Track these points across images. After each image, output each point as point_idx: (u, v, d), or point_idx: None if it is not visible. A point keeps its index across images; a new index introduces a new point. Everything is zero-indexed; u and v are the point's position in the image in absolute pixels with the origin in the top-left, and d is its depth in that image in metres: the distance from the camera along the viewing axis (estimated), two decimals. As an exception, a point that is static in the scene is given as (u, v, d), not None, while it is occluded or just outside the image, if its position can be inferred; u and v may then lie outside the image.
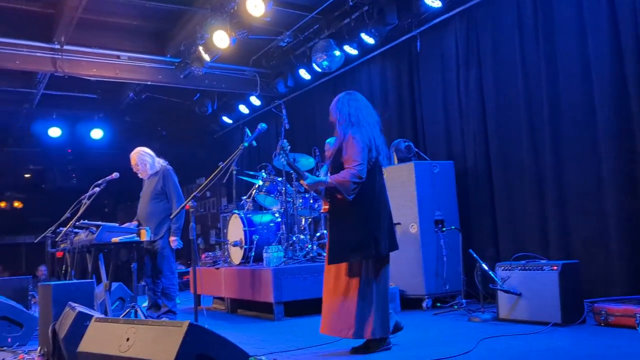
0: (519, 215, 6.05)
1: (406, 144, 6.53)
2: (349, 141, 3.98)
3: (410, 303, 6.03)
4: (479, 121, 6.52)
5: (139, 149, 6.22)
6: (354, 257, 3.95)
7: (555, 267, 4.65)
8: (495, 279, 5.02)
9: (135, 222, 6.01)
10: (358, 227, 3.97)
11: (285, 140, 4.19)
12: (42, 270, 11.96)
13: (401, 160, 6.46)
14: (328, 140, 7.09)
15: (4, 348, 4.97)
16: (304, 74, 8.85)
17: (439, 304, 5.94)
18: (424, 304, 5.94)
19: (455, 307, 5.76)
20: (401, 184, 6.20)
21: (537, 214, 5.85)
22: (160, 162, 6.19)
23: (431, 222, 6.05)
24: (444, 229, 5.99)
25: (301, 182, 4.10)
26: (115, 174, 6.10)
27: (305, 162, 7.15)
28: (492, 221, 6.36)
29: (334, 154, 4.11)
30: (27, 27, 8.19)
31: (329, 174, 4.14)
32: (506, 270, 5.02)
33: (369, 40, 7.45)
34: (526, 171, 5.98)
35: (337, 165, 4.04)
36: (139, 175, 6.22)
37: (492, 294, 5.28)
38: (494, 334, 4.35)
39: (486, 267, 5.13)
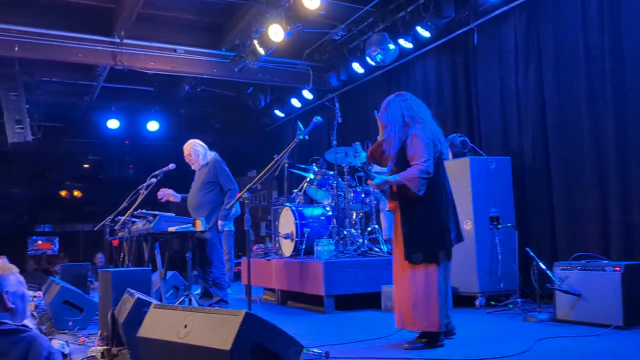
0: (578, 214, 5.86)
1: (461, 139, 6.41)
2: (412, 139, 4.04)
3: (462, 300, 5.92)
4: (537, 116, 6.34)
5: (191, 140, 6.36)
6: (429, 251, 4.02)
7: (617, 268, 4.49)
8: (553, 278, 4.88)
9: None
10: (429, 221, 4.05)
11: (358, 143, 4.27)
12: (100, 257, 12.33)
13: (456, 155, 6.34)
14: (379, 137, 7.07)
15: (66, 331, 5.14)
16: (357, 67, 8.81)
17: (492, 303, 5.82)
18: (477, 302, 5.83)
19: (510, 306, 5.63)
20: (455, 179, 6.05)
21: (598, 212, 5.65)
22: (211, 154, 6.30)
23: (486, 219, 5.93)
24: (499, 226, 5.85)
25: (368, 182, 4.17)
26: (171, 165, 6.25)
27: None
28: (550, 219, 6.18)
29: (396, 154, 4.13)
30: (89, 21, 8.45)
31: (388, 172, 4.22)
32: (565, 269, 4.87)
33: (425, 33, 7.35)
34: (587, 168, 5.79)
35: (402, 164, 4.08)
36: (192, 166, 6.34)
37: (550, 294, 5.14)
38: (552, 335, 4.23)
39: (544, 266, 4.99)
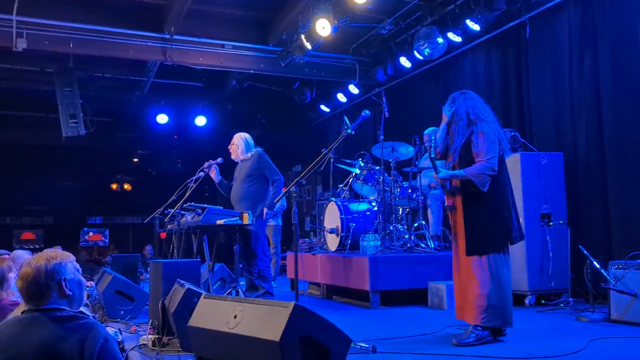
0: (635, 211, 5.64)
1: (512, 134, 6.27)
2: (479, 136, 4.08)
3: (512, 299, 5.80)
4: (592, 111, 6.15)
5: (244, 133, 6.41)
6: (492, 247, 4.06)
7: (677, 268, 4.32)
8: (608, 277, 4.73)
9: None
10: (494, 217, 4.08)
11: (434, 137, 4.28)
12: (148, 249, 12.61)
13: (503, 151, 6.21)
14: (426, 132, 6.99)
15: (117, 320, 5.28)
16: (404, 62, 8.73)
17: (543, 301, 5.68)
18: (526, 301, 5.71)
19: (562, 305, 5.49)
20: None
21: (657, 210, 5.45)
22: (254, 149, 6.33)
23: (537, 216, 5.79)
24: (550, 223, 5.70)
25: (434, 175, 4.19)
26: (219, 158, 6.32)
27: (405, 151, 7.07)
28: (604, 217, 5.98)
29: (459, 150, 4.17)
30: (140, 17, 8.63)
31: (447, 169, 4.25)
32: (620, 269, 4.72)
33: (474, 27, 7.22)
34: (645, 164, 5.58)
35: (465, 160, 4.12)
36: (231, 154, 6.37)
37: (603, 293, 5.01)
38: (606, 336, 4.11)
39: (598, 265, 4.85)
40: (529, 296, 5.70)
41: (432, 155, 4.22)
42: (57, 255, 2.44)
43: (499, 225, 4.08)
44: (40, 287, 2.32)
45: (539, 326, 4.74)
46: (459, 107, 4.25)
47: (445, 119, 4.33)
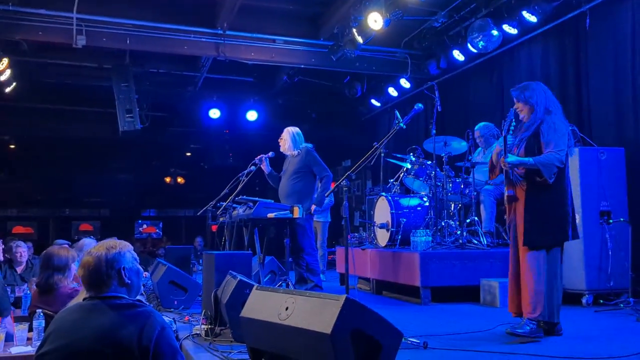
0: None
1: (570, 128, 6.07)
2: (550, 127, 4.05)
3: (568, 298, 5.60)
4: (656, 105, 5.91)
5: (295, 127, 6.44)
6: (552, 240, 4.03)
7: None
8: (672, 278, 4.54)
9: None
10: (556, 211, 4.04)
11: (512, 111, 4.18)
12: (198, 241, 12.84)
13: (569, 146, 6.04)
14: (477, 127, 6.87)
15: (171, 309, 5.40)
16: (457, 55, 8.59)
17: (601, 301, 5.49)
18: (583, 300, 5.54)
19: (621, 305, 5.29)
20: (563, 170, 5.81)
21: None
22: (303, 145, 6.35)
23: (596, 213, 5.61)
24: (610, 220, 5.51)
25: (501, 160, 4.11)
26: (270, 152, 6.37)
27: (458, 145, 6.97)
28: (668, 215, 5.75)
29: (526, 139, 4.12)
30: (194, 14, 8.79)
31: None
32: (685, 269, 4.52)
33: (531, 18, 7.04)
34: None
35: (532, 150, 4.08)
36: (280, 147, 6.40)
37: (667, 294, 4.80)
38: (669, 338, 3.95)
39: (661, 265, 4.66)
40: (587, 295, 5.53)
41: (507, 134, 4.11)
42: (116, 244, 2.51)
43: (560, 219, 4.02)
44: (101, 275, 2.39)
45: (596, 326, 4.59)
46: (538, 96, 4.17)
47: (522, 105, 4.24)
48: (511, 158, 4.07)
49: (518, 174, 4.13)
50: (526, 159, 4.05)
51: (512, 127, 4.14)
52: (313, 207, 6.05)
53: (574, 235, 4.11)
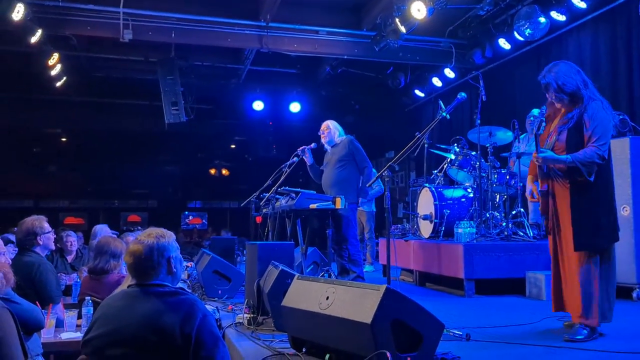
0: None
1: (621, 117, 5.87)
2: (594, 117, 3.67)
3: (618, 291, 5.43)
4: None
5: (331, 120, 6.45)
6: (604, 242, 3.72)
7: None
8: None
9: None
10: (605, 210, 3.71)
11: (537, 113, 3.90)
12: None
13: (613, 135, 5.83)
14: (534, 112, 6.68)
15: (215, 299, 5.48)
16: (503, 43, 8.42)
17: (653, 295, 5.32)
18: (634, 294, 5.35)
19: (674, 300, 5.11)
20: (613, 161, 5.61)
21: None
22: (344, 136, 6.34)
23: (647, 204, 5.41)
24: (663, 212, 5.31)
25: (534, 155, 3.78)
26: (313, 144, 6.39)
27: (503, 136, 6.83)
28: None
29: (567, 131, 3.75)
30: (237, 6, 8.86)
31: (557, 152, 3.80)
32: None
33: (580, 4, 6.84)
34: None
35: (574, 143, 3.71)
36: (321, 138, 6.40)
37: None
38: None
39: None
40: (637, 289, 5.34)
41: (538, 132, 3.78)
42: (164, 233, 2.56)
43: (610, 220, 3.71)
44: (152, 263, 2.45)
45: (647, 322, 4.44)
46: (567, 83, 3.75)
47: (554, 91, 3.81)
48: (546, 154, 3.70)
49: (558, 169, 3.80)
50: (564, 156, 3.66)
51: (542, 127, 3.82)
52: (359, 200, 6.05)
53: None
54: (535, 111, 6.65)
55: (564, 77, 3.77)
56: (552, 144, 3.84)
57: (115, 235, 5.53)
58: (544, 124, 3.85)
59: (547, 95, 3.92)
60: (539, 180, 3.95)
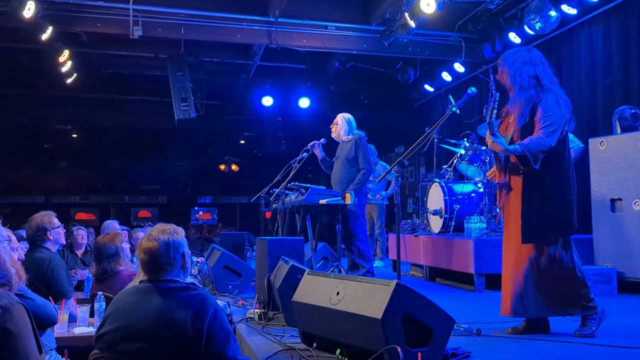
0: None
1: (632, 111, 5.84)
2: (546, 106, 3.56)
3: (628, 287, 5.46)
4: None
5: (347, 114, 6.43)
6: (554, 234, 3.61)
7: None
8: None
9: None
10: (556, 200, 3.61)
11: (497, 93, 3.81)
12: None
13: (625, 129, 5.80)
14: None
15: (226, 294, 5.51)
16: (513, 37, 8.36)
17: (665, 291, 5.30)
18: (645, 290, 5.34)
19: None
20: (624, 156, 5.59)
21: None
22: (356, 132, 6.32)
23: (659, 199, 5.37)
24: (675, 207, 5.27)
25: (488, 139, 3.70)
26: (322, 139, 6.38)
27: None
28: None
29: (525, 120, 3.64)
30: (246, 2, 8.85)
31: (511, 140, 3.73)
32: None
33: (592, -3, 6.77)
34: None
35: (529, 134, 3.61)
36: (332, 133, 6.39)
37: None
38: None
39: None
40: (649, 285, 5.33)
41: (489, 120, 3.67)
42: (177, 229, 2.58)
43: (562, 210, 3.60)
44: (168, 259, 2.48)
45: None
46: (526, 68, 3.67)
47: (507, 78, 3.75)
48: (500, 140, 3.62)
49: (513, 161, 3.70)
50: (512, 146, 3.59)
51: (495, 112, 3.71)
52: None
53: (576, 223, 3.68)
54: None
55: (524, 67, 3.71)
56: (509, 136, 3.77)
57: (124, 231, 5.56)
58: (495, 110, 3.74)
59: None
60: (497, 173, 3.89)
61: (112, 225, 6.34)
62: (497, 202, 4.02)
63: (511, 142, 3.70)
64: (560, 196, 3.63)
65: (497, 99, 3.73)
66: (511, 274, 3.76)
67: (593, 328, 3.64)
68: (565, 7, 7.21)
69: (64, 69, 9.59)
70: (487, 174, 4.17)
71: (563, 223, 3.62)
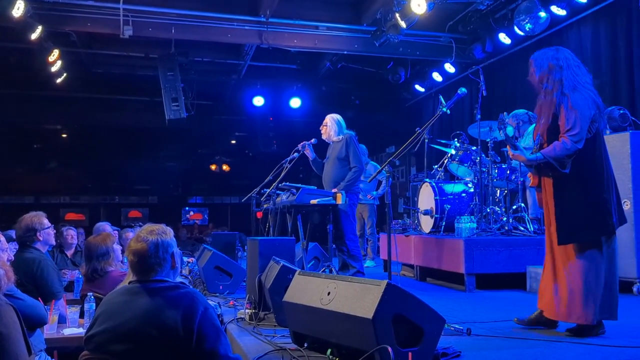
0: None
1: (621, 112, 5.87)
2: (569, 108, 3.58)
3: (620, 286, 5.48)
4: None
5: (336, 114, 6.43)
6: (587, 235, 3.61)
7: None
8: None
9: None
10: (588, 200, 3.61)
11: (505, 113, 3.89)
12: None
13: (614, 129, 5.83)
14: (509, 117, 6.71)
15: (217, 294, 5.49)
16: (503, 38, 8.42)
17: (653, 290, 5.33)
18: (634, 288, 5.36)
19: (675, 294, 5.12)
20: (613, 156, 5.52)
21: None
22: (346, 132, 6.33)
23: (648, 198, 5.41)
24: (663, 207, 5.31)
25: (509, 152, 3.79)
26: (313, 139, 6.38)
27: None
28: None
29: (548, 123, 3.69)
30: (237, 2, 8.85)
31: (536, 146, 3.77)
32: None
33: (581, -2, 6.82)
34: None
35: (553, 136, 3.66)
36: (322, 135, 6.39)
37: None
38: None
39: None
40: (638, 283, 5.36)
41: (511, 134, 3.77)
42: (165, 230, 2.58)
43: (595, 210, 3.59)
44: (157, 260, 2.47)
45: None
46: (551, 71, 3.71)
47: (534, 80, 3.81)
48: (520, 152, 3.70)
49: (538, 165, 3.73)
50: (533, 156, 3.63)
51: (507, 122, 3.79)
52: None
53: (619, 222, 3.66)
54: (511, 113, 6.69)
55: (551, 68, 3.76)
56: (538, 141, 3.80)
57: (114, 232, 5.54)
58: (508, 126, 3.81)
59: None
60: (530, 176, 3.94)
61: (104, 227, 6.31)
62: (539, 203, 4.02)
63: (541, 145, 3.74)
64: (592, 196, 3.62)
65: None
66: (568, 277, 3.68)
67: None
68: (554, 8, 7.27)
69: (54, 69, 9.53)
70: (528, 174, 4.13)
71: (597, 223, 3.61)
